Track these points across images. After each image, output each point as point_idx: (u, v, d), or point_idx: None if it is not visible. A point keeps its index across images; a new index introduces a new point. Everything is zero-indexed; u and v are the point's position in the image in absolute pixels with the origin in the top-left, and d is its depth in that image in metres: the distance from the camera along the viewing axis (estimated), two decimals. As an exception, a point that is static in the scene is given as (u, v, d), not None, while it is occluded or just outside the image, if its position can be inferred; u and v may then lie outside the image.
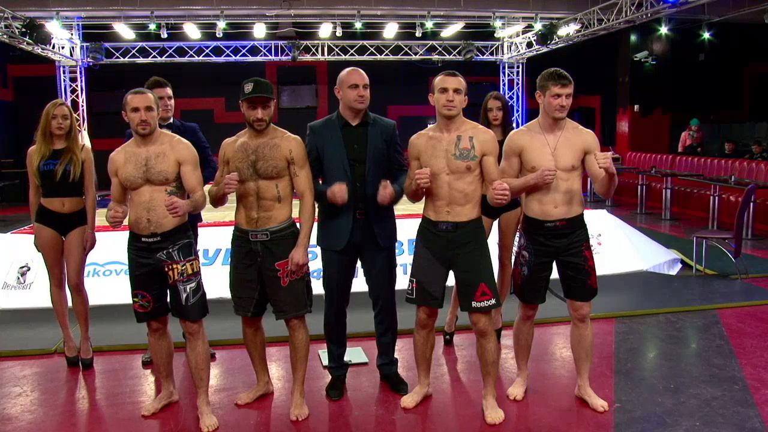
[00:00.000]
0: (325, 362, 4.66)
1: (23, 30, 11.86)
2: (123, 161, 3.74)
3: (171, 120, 4.74)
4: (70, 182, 4.53)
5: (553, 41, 13.94)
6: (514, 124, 16.54)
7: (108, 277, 6.25)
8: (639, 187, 12.79)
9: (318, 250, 4.22)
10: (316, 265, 4.26)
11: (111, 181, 3.79)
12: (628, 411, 3.88)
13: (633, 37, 15.62)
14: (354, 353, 4.80)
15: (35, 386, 4.45)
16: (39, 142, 4.53)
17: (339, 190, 3.80)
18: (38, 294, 5.91)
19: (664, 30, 14.68)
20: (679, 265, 7.44)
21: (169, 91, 4.75)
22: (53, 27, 12.73)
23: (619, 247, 7.22)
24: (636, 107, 15.99)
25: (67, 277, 4.66)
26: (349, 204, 3.93)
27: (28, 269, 6.23)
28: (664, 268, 7.20)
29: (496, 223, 5.04)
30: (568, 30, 13.45)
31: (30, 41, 12.26)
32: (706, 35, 14.69)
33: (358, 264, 4.24)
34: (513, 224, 4.97)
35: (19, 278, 6.23)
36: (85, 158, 4.61)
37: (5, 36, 11.97)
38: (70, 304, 4.76)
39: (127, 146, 3.82)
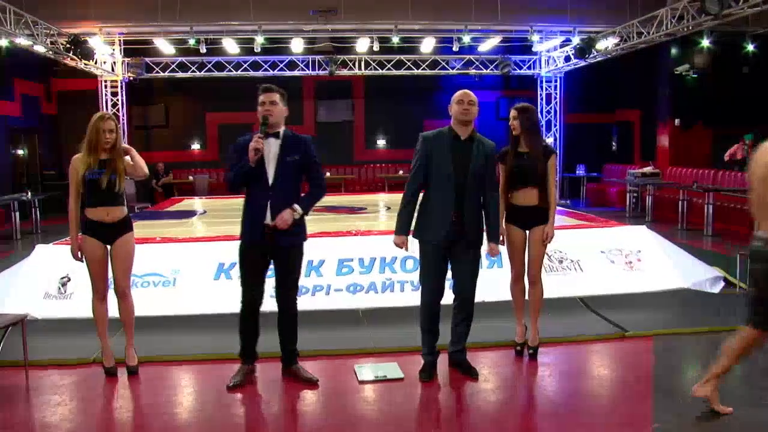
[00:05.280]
0: (360, 377, 4.67)
1: (68, 46, 12.20)
2: None
3: (282, 128, 4.53)
4: (115, 192, 4.65)
5: (592, 55, 13.83)
6: (550, 140, 16.51)
7: (146, 288, 6.34)
8: (680, 202, 12.57)
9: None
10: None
11: None
12: (668, 432, 3.81)
13: (673, 50, 15.40)
14: (389, 368, 4.80)
15: (74, 395, 4.53)
16: (85, 153, 4.65)
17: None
18: (78, 304, 6.01)
19: (705, 43, 14.41)
20: (722, 283, 7.26)
21: (273, 96, 4.45)
22: (96, 43, 13.07)
23: (659, 263, 7.09)
24: (677, 121, 15.73)
25: (115, 283, 4.76)
26: (448, 205, 4.47)
27: (69, 280, 6.35)
28: (706, 285, 7.04)
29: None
30: (606, 44, 13.34)
31: (74, 57, 12.60)
32: (750, 47, 14.41)
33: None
34: (540, 239, 4.98)
35: (59, 288, 6.35)
36: (131, 153, 4.77)
37: (51, 52, 12.32)
38: (112, 313, 4.85)
39: None
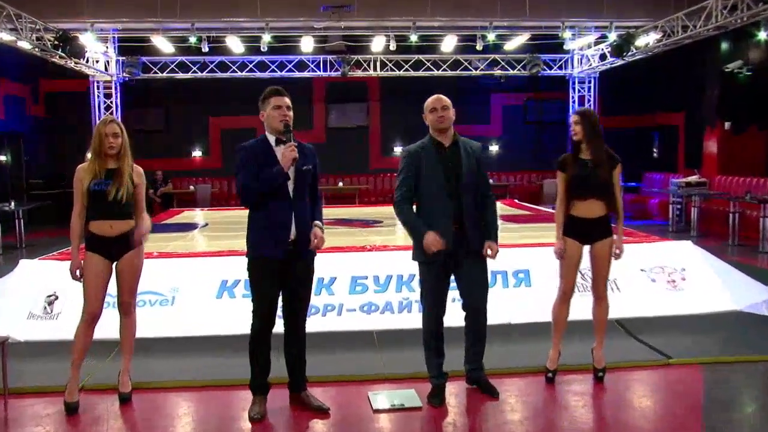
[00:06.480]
0: (375, 406, 4.64)
1: (56, 43, 12.28)
2: None
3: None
4: (123, 204, 4.65)
5: (630, 53, 13.74)
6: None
7: (142, 307, 6.32)
8: (730, 215, 12.44)
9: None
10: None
11: None
12: (719, 471, 3.74)
13: (724, 45, 15.20)
14: (406, 396, 4.77)
15: (59, 426, 4.50)
16: (91, 162, 4.68)
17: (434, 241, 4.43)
18: (66, 325, 5.97)
19: (763, 35, 14.07)
20: (781, 306, 7.17)
21: (288, 100, 4.57)
22: (87, 39, 13.18)
23: (706, 283, 7.01)
24: (727, 124, 15.51)
25: (120, 297, 4.78)
26: (446, 217, 4.55)
27: (56, 298, 6.36)
28: (762, 308, 6.94)
29: (587, 250, 5.09)
30: (647, 39, 13.26)
31: (63, 54, 12.70)
32: (818, 39, 14.14)
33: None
34: (606, 254, 5.02)
35: (45, 307, 6.36)
36: (139, 182, 4.77)
37: (37, 49, 12.44)
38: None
39: None
